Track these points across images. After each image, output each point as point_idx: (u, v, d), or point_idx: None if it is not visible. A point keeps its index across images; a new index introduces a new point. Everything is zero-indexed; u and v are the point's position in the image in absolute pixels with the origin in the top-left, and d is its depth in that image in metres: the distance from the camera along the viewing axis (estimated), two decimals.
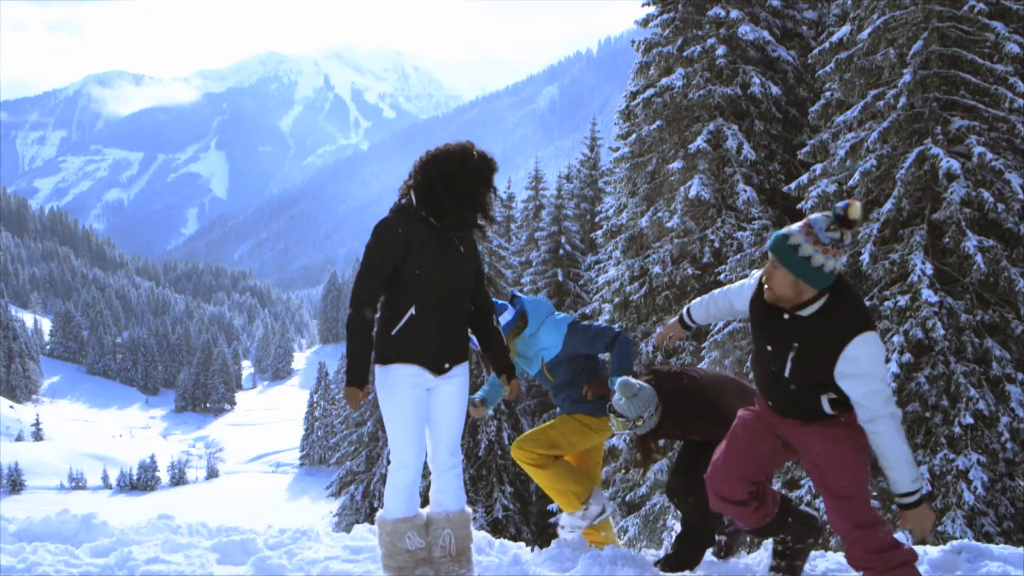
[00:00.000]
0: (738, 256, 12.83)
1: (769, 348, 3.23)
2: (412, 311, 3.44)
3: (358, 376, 3.41)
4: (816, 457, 3.25)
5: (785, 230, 3.05)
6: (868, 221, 10.64)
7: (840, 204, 2.97)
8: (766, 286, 3.13)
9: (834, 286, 3.08)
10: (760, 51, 14.04)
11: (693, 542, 3.93)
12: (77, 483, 74.35)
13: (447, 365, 3.55)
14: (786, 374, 3.17)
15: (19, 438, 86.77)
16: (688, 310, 3.83)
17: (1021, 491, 9.84)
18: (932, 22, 10.40)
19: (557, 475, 4.27)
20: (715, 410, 3.78)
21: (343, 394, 3.51)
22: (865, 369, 3.00)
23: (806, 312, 3.09)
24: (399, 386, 3.49)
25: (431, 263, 3.43)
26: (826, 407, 3.15)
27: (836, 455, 3.19)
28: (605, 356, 4.40)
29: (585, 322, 4.39)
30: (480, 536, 4.37)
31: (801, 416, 3.22)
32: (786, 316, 3.13)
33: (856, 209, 2.94)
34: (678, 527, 4.02)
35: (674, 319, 3.88)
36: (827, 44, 11.73)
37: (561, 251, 24.51)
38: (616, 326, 15.44)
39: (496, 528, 20.15)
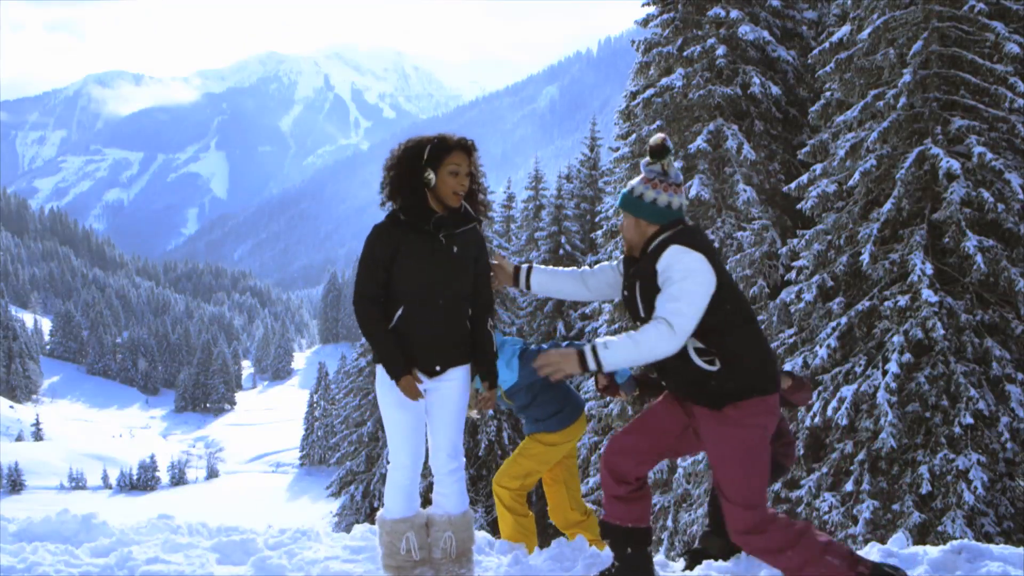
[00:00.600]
0: (738, 256, 12.83)
1: (626, 294, 3.30)
2: (400, 312, 3.46)
3: (397, 369, 3.42)
4: (708, 448, 3.22)
5: None
6: (868, 221, 10.64)
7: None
8: (622, 242, 3.26)
9: (681, 227, 3.18)
10: (760, 51, 14.04)
11: (722, 535, 3.92)
12: (77, 483, 74.42)
13: (438, 367, 3.53)
14: (641, 314, 3.20)
15: (19, 438, 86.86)
16: (528, 270, 3.70)
17: (1021, 491, 9.83)
18: (932, 22, 10.40)
19: (518, 527, 4.55)
20: None
21: (402, 390, 3.45)
22: (668, 275, 3.04)
23: (649, 249, 3.19)
24: (393, 386, 3.49)
25: (418, 265, 3.43)
26: (695, 359, 3.10)
27: (721, 444, 3.13)
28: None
29: (533, 347, 4.45)
30: (480, 536, 4.37)
31: (684, 384, 3.18)
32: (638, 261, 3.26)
33: (656, 139, 3.17)
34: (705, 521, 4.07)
35: (510, 269, 3.71)
36: (827, 44, 11.72)
37: (561, 251, 24.51)
38: (614, 327, 15.45)
39: (496, 528, 20.14)
